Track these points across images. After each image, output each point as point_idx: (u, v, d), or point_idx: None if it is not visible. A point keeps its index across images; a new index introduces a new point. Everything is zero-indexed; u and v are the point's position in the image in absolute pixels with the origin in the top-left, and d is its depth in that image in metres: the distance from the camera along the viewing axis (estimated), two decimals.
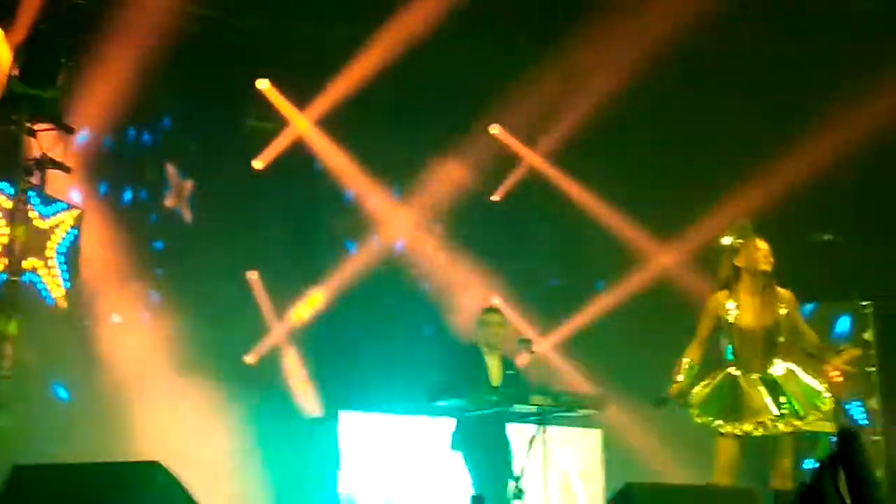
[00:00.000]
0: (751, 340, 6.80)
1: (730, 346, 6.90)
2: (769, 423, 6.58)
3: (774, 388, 6.69)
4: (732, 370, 6.83)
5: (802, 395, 6.66)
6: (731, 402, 6.72)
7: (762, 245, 6.86)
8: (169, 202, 10.43)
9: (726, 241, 6.89)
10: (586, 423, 9.24)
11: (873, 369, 10.49)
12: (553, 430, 7.91)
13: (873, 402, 10.31)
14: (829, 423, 6.61)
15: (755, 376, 6.74)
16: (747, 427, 6.61)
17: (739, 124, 10.54)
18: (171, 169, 10.45)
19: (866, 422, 10.03)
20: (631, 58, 9.95)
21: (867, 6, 9.53)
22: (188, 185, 10.51)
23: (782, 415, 6.57)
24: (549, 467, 7.65)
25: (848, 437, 0.77)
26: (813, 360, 6.79)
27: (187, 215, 10.48)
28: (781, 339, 6.82)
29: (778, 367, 6.78)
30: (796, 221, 10.83)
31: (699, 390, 6.83)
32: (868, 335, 10.58)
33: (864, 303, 10.65)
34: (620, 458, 9.74)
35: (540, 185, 11.83)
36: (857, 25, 9.53)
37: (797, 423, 6.57)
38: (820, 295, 10.84)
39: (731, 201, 9.87)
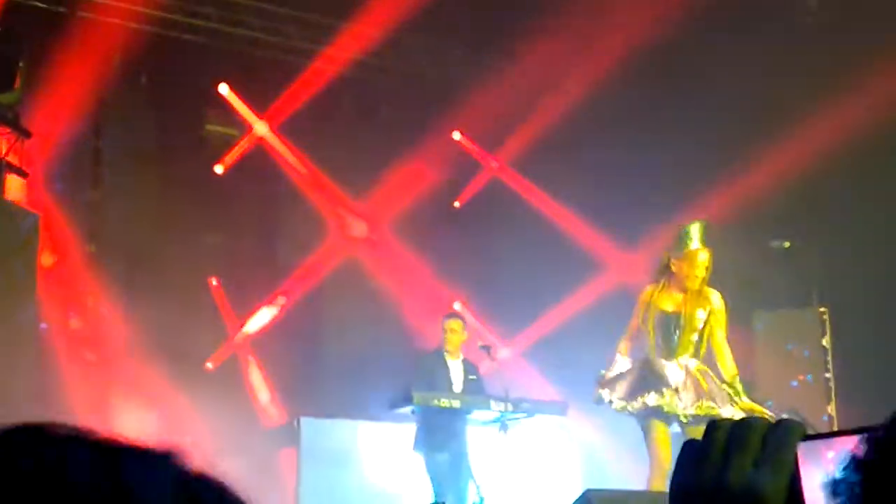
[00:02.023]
0: (667, 326, 6.95)
1: (650, 335, 7.01)
2: (669, 397, 6.70)
3: (685, 380, 6.80)
4: (646, 358, 6.97)
5: (710, 391, 6.79)
6: (640, 387, 6.86)
7: (702, 257, 6.91)
8: (126, 205, 10.33)
9: (679, 234, 7.01)
10: (547, 428, 9.25)
11: (830, 375, 10.58)
12: (514, 436, 7.91)
13: (830, 409, 10.39)
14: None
15: (671, 364, 6.86)
16: (654, 400, 6.72)
17: (702, 132, 10.62)
18: (130, 172, 10.36)
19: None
20: (595, 65, 9.99)
21: (821, 19, 9.66)
22: (147, 187, 10.43)
23: (683, 396, 6.71)
24: (509, 473, 7.65)
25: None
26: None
27: (147, 220, 10.39)
28: (699, 332, 6.94)
29: (691, 360, 6.90)
30: (756, 228, 10.93)
31: (611, 378, 6.99)
32: (825, 341, 10.67)
33: (821, 309, 10.75)
34: (580, 464, 9.75)
35: (502, 191, 11.85)
36: (815, 40, 9.65)
37: (706, 408, 6.68)
38: (779, 301, 10.93)
39: (694, 208, 9.93)
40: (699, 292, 6.95)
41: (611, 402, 6.97)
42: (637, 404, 6.82)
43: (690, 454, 0.90)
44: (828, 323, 10.73)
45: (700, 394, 6.74)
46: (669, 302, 6.98)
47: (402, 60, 10.96)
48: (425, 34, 10.74)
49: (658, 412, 6.74)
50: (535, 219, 11.89)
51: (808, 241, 11.09)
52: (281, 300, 10.69)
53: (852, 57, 9.30)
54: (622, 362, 7.08)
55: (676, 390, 6.73)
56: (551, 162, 11.39)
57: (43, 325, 9.04)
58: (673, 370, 6.85)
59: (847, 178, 10.16)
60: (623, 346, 7.17)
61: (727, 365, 6.93)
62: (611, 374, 7.05)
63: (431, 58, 11.13)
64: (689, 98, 10.50)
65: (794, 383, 10.61)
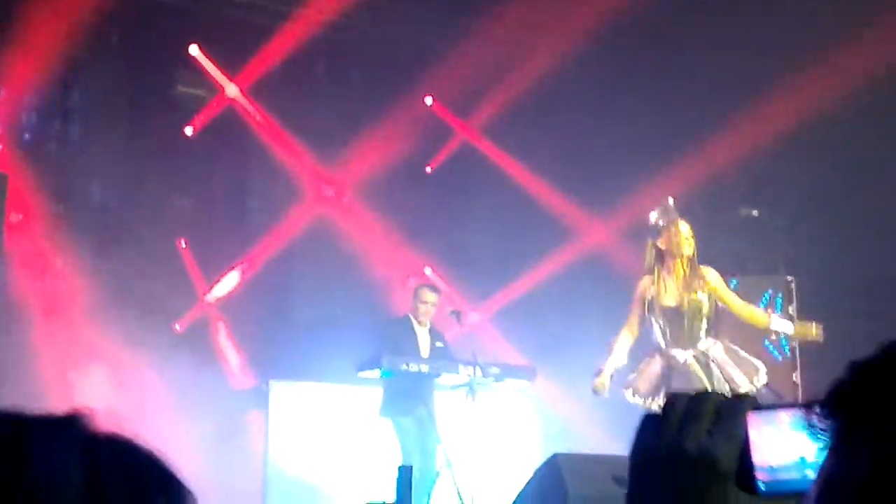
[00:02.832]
0: (676, 319, 7.01)
1: (658, 329, 7.10)
2: None
3: (708, 365, 6.91)
4: (663, 352, 7.05)
5: (737, 369, 6.91)
6: (664, 382, 6.95)
7: (684, 228, 7.04)
8: (96, 166, 10.25)
9: (651, 220, 7.11)
10: (515, 393, 9.32)
11: (795, 344, 10.69)
12: (482, 400, 7.97)
13: (795, 376, 10.51)
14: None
15: (688, 354, 6.94)
16: None
17: (672, 100, 10.66)
18: (100, 132, 10.27)
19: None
20: (568, 32, 9.99)
21: None
22: (117, 148, 10.35)
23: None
24: (477, 438, 7.70)
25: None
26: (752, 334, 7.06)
27: (116, 180, 10.32)
28: (707, 316, 7.04)
29: (709, 344, 6.99)
30: (724, 197, 11.01)
31: (633, 377, 7.09)
32: (792, 309, 10.77)
33: (788, 277, 10.85)
34: (548, 429, 9.84)
35: (473, 157, 11.86)
36: (786, 10, 9.67)
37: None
38: (746, 269, 11.02)
39: (663, 176, 9.98)
40: (694, 272, 7.02)
41: (631, 397, 7.07)
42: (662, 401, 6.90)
43: (649, 424, 0.97)
44: (794, 291, 10.83)
45: (728, 379, 6.83)
46: (670, 296, 7.02)
47: (375, 24, 10.91)
48: None
49: None
50: (507, 185, 11.92)
51: (777, 210, 11.19)
52: (250, 263, 10.67)
53: (821, 29, 9.35)
54: (621, 356, 7.10)
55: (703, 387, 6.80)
56: (523, 128, 11.40)
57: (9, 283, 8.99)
58: (696, 362, 6.91)
59: (814, 149, 10.24)
60: (623, 339, 7.14)
61: (758, 317, 7.12)
62: (607, 366, 7.07)
63: (405, 22, 11.08)
64: (661, 66, 10.52)
65: (768, 344, 10.67)
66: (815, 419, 0.89)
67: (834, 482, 0.83)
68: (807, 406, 0.91)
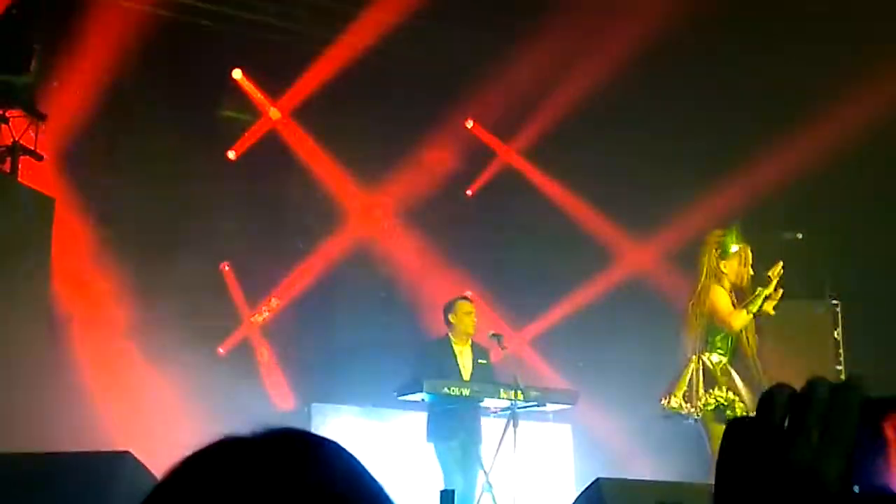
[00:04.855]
0: (716, 327, 7.04)
1: (697, 334, 7.08)
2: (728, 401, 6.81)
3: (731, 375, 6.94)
4: (698, 356, 7.03)
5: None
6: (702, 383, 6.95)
7: (749, 256, 7.10)
8: (141, 190, 10.35)
9: (727, 244, 7.12)
10: (557, 417, 9.27)
11: (840, 368, 10.56)
12: (523, 425, 7.93)
13: None
14: None
15: (724, 357, 6.98)
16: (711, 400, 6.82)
17: (715, 124, 10.60)
18: (145, 156, 10.38)
19: None
20: (609, 54, 9.97)
21: (834, 10, 9.61)
22: (161, 172, 10.45)
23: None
24: (519, 461, 7.67)
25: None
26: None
27: (161, 204, 10.42)
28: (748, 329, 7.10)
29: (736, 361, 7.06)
30: (768, 220, 10.91)
31: (670, 384, 7.06)
32: (837, 333, 10.65)
33: (833, 301, 10.73)
34: (590, 453, 9.77)
35: (514, 180, 11.85)
36: (829, 32, 9.61)
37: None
38: (791, 292, 10.91)
39: (706, 201, 9.92)
40: (746, 290, 7.10)
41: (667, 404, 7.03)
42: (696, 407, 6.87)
43: (743, 428, 0.82)
44: (840, 315, 10.71)
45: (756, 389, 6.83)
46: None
47: (415, 48, 10.95)
48: (439, 21, 10.73)
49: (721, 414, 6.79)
50: (548, 207, 11.89)
51: (821, 233, 11.08)
52: (292, 286, 10.71)
53: (866, 48, 9.27)
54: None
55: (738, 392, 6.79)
56: (564, 151, 11.38)
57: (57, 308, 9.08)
58: (730, 366, 6.94)
59: (861, 171, 10.14)
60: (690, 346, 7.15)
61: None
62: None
63: (445, 46, 11.12)
64: (702, 89, 10.47)
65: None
66: None
67: None
68: None
